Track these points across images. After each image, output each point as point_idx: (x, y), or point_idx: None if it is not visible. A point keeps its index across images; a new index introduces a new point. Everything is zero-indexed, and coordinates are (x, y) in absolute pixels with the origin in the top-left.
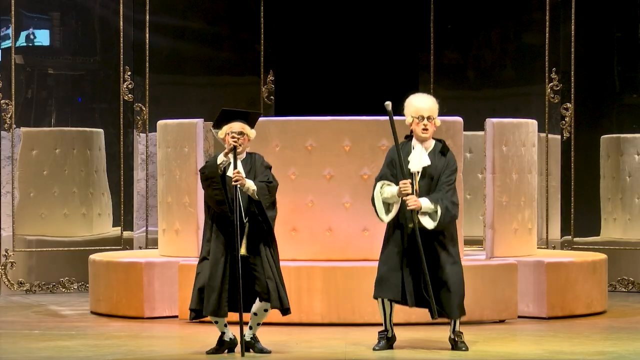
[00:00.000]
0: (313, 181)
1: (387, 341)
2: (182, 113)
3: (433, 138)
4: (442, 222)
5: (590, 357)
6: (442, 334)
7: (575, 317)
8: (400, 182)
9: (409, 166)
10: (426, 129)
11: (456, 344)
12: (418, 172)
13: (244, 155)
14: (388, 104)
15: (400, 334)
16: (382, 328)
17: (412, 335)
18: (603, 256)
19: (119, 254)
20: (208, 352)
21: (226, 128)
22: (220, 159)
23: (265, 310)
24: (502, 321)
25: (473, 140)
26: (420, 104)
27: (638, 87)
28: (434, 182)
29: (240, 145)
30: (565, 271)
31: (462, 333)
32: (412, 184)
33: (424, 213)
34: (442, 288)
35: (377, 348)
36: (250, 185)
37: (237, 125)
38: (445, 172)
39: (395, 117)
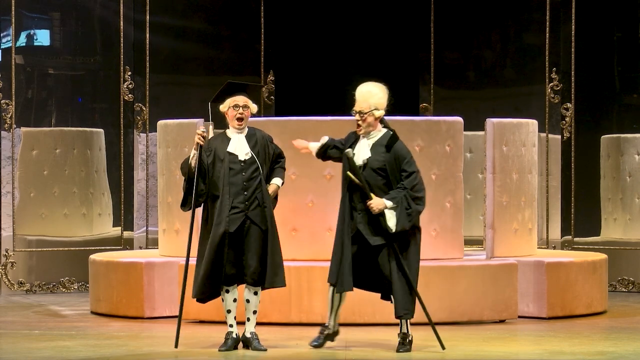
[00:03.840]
0: (313, 181)
1: (327, 337)
2: (182, 113)
3: (385, 127)
4: (402, 223)
5: (590, 357)
6: (443, 334)
7: (576, 317)
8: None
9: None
10: (359, 126)
11: (398, 344)
12: (360, 166)
13: (246, 131)
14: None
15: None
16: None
17: (412, 336)
18: (603, 256)
19: (119, 254)
20: (221, 349)
21: (229, 101)
22: (191, 154)
23: (255, 294)
24: (502, 321)
25: (473, 140)
26: (357, 96)
27: (638, 87)
28: (383, 175)
29: (244, 118)
30: (566, 271)
31: (408, 335)
32: (358, 176)
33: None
34: (392, 284)
35: (315, 344)
36: (277, 184)
37: (241, 99)
38: (402, 168)
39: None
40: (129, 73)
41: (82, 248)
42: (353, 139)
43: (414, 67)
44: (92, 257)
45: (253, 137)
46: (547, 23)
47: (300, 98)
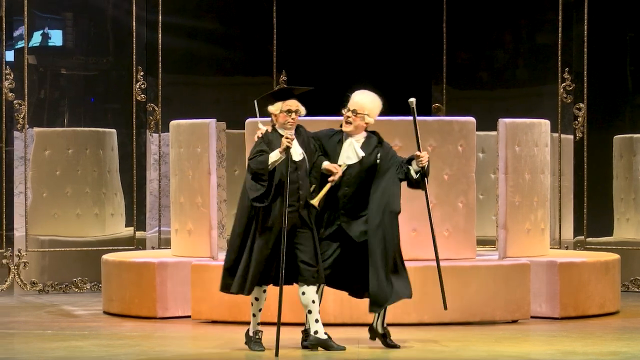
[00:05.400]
0: None
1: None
2: (194, 113)
3: (367, 131)
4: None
5: (602, 358)
6: (455, 334)
7: (588, 317)
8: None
9: (342, 160)
10: (348, 122)
11: (385, 340)
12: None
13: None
14: (412, 101)
15: (412, 333)
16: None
17: (424, 336)
18: (616, 256)
19: (132, 254)
20: (258, 350)
21: (281, 105)
22: (275, 156)
23: (304, 294)
24: (514, 321)
25: (486, 140)
26: (353, 97)
27: None
28: (370, 174)
29: (296, 121)
30: (578, 271)
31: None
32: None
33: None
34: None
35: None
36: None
37: (294, 104)
38: (395, 157)
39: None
40: (142, 73)
41: (95, 248)
42: (337, 139)
43: (427, 67)
44: (105, 257)
45: (300, 137)
46: (560, 23)
47: (312, 98)
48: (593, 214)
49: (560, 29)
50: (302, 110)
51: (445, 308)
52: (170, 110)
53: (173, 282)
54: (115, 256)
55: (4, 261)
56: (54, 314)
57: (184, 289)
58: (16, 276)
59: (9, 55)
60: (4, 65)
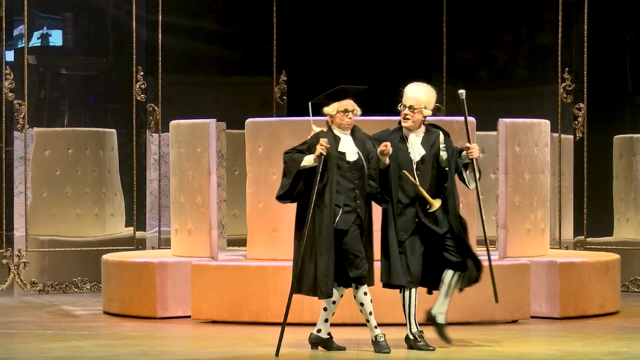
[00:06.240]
0: None
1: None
2: (194, 113)
3: (431, 125)
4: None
5: (603, 357)
6: (455, 335)
7: (588, 317)
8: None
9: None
10: (406, 119)
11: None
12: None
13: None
14: (462, 92)
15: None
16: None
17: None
18: (616, 256)
19: (132, 254)
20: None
21: (337, 105)
22: (308, 162)
23: (365, 294)
24: (514, 321)
25: (486, 140)
26: (407, 92)
27: None
28: (435, 167)
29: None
30: (578, 271)
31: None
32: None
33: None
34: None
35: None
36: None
37: (350, 104)
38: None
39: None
40: (142, 73)
41: (95, 248)
42: (398, 137)
43: (427, 67)
44: (105, 257)
45: (355, 137)
46: (560, 23)
47: (312, 98)
48: (593, 214)
49: (560, 29)
50: (358, 110)
51: (497, 301)
52: (170, 110)
53: (173, 282)
54: (115, 256)
55: (4, 261)
56: (54, 314)
57: (184, 289)
58: (16, 276)
59: (9, 55)
60: (4, 65)
